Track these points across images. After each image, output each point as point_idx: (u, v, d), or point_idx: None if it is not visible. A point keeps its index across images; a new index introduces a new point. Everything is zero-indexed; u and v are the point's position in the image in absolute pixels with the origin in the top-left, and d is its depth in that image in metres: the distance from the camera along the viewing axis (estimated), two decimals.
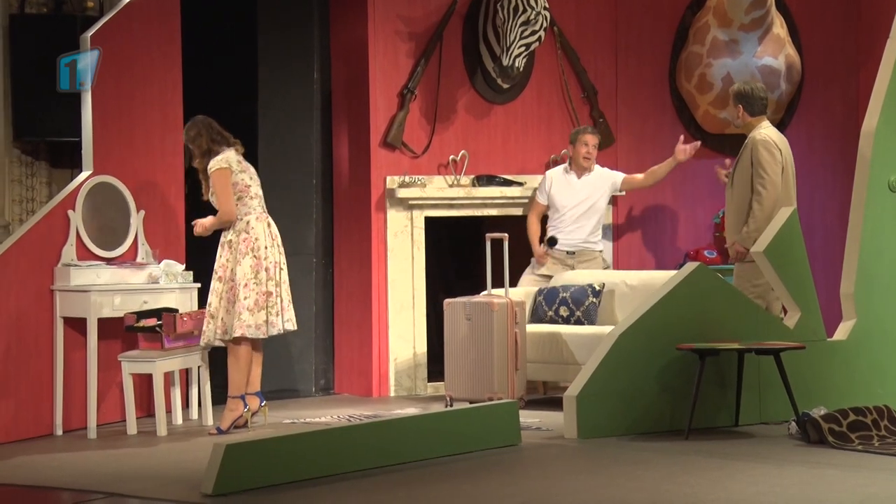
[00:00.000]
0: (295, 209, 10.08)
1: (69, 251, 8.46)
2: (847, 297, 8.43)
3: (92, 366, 8.32)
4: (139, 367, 8.32)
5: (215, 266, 8.32)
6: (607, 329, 8.41)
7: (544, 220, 10.11)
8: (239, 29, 10.51)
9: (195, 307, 8.78)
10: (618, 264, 10.52)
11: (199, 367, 8.68)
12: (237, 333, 8.22)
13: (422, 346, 10.02)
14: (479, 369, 8.97)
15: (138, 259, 8.81)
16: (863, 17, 11.09)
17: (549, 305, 9.49)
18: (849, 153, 9.88)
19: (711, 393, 7.98)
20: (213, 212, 8.40)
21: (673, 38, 10.80)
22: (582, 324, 9.31)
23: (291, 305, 8.39)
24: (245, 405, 8.35)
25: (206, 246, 8.78)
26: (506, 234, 9.43)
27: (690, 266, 8.14)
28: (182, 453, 7.63)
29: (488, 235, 9.53)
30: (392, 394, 9.94)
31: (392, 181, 9.95)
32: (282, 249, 8.41)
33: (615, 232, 10.60)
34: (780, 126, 10.41)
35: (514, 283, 9.55)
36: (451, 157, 10.16)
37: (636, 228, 10.70)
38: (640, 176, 10.17)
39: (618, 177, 10.13)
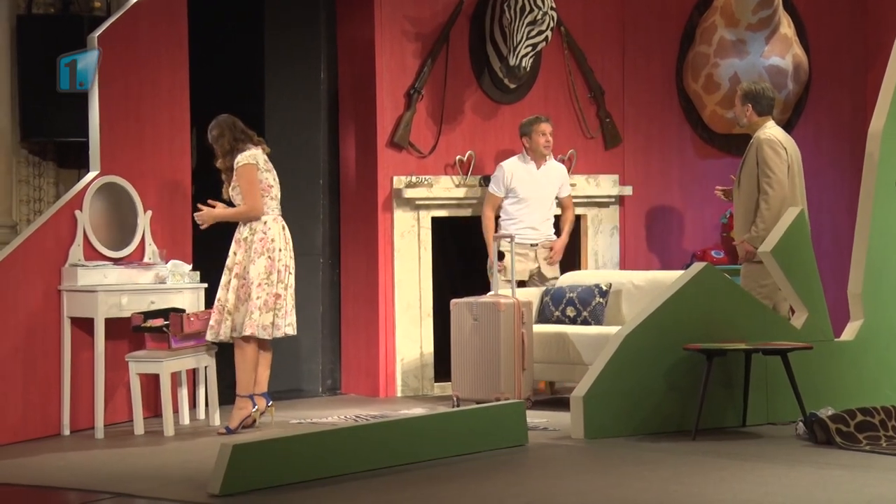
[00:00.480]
0: (302, 209, 10.07)
1: (76, 251, 8.46)
2: (855, 297, 8.43)
3: (99, 366, 8.32)
4: (146, 368, 8.32)
5: (228, 262, 8.33)
6: (614, 329, 8.40)
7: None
8: (245, 29, 10.51)
9: (202, 307, 8.78)
10: (625, 264, 10.52)
11: (206, 367, 8.68)
12: (247, 332, 8.22)
13: (428, 347, 10.02)
14: (485, 369, 8.96)
15: (145, 259, 8.81)
16: (870, 17, 11.09)
17: (556, 305, 9.48)
18: (856, 153, 9.89)
19: (719, 393, 7.98)
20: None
21: (680, 38, 10.80)
22: (589, 324, 9.30)
23: (294, 310, 8.40)
24: (254, 405, 8.35)
25: (213, 246, 8.78)
26: (512, 234, 9.43)
27: (697, 266, 8.13)
28: (189, 453, 7.63)
29: (494, 236, 9.54)
30: (399, 394, 9.94)
31: (399, 181, 9.94)
32: (292, 254, 8.42)
33: (622, 232, 10.59)
34: (788, 126, 10.41)
35: (486, 289, 9.49)
36: (458, 157, 10.15)
37: (643, 228, 10.69)
38: (567, 215, 9.94)
39: (566, 186, 9.93)
